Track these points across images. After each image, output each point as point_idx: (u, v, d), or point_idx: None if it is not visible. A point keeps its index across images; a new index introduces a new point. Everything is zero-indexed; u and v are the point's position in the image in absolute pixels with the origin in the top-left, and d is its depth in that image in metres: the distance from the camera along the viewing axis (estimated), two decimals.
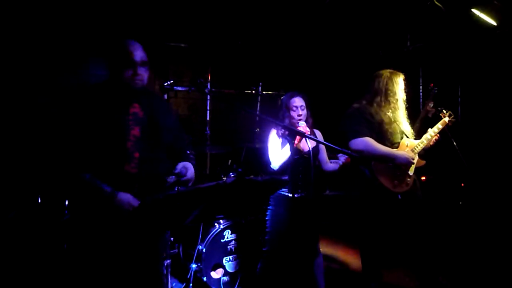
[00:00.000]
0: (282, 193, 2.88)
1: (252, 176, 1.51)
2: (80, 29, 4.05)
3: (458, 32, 4.55)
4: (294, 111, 2.85)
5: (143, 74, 1.94)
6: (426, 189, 4.62)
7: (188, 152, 2.18)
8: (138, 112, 1.96)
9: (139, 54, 1.92)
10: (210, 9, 4.61)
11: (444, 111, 3.27)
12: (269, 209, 2.94)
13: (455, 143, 3.82)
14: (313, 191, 2.94)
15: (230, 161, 3.85)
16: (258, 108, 4.15)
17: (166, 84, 3.10)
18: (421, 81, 5.03)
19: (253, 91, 4.03)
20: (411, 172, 2.94)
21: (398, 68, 5.11)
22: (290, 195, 2.84)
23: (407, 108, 3.18)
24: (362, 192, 2.95)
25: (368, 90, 3.03)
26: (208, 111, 3.77)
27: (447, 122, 3.19)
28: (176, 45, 4.42)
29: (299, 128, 2.70)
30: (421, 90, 5.00)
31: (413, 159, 2.92)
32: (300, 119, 2.84)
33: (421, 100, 4.95)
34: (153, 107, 2.04)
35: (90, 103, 1.89)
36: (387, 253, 3.11)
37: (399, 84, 2.99)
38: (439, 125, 3.15)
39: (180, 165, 1.99)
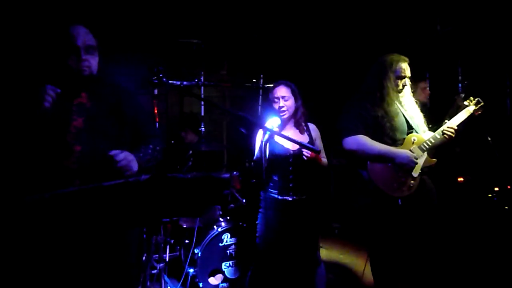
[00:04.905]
0: (272, 195, 2.61)
1: (178, 172, 1.27)
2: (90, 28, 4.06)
3: (497, 10, 3.92)
4: (276, 102, 2.58)
5: (89, 59, 1.79)
6: (464, 192, 4.15)
7: (150, 146, 1.97)
8: (84, 102, 1.81)
9: (82, 37, 1.77)
10: (215, 4, 4.46)
11: (472, 98, 2.77)
12: (260, 212, 2.68)
13: (489, 138, 3.31)
14: (309, 194, 2.63)
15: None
16: (260, 101, 3.89)
17: (154, 78, 2.96)
18: (460, 71, 4.48)
19: (254, 84, 3.77)
20: (415, 173, 2.50)
21: (429, 56, 4.58)
22: (280, 197, 2.57)
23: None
24: (360, 197, 2.60)
25: (364, 81, 2.69)
26: (202, 107, 3.57)
27: (471, 111, 2.69)
28: (187, 41, 4.28)
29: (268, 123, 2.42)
30: (460, 81, 4.46)
31: (416, 159, 2.50)
32: (282, 111, 2.55)
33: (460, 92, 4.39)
34: (104, 96, 1.87)
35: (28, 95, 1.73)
36: (398, 265, 2.71)
37: (395, 69, 2.58)
38: (459, 116, 2.68)
39: (119, 151, 1.75)
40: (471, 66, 4.31)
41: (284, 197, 2.57)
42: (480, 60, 4.25)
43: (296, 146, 2.53)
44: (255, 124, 1.70)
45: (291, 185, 2.56)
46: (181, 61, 4.61)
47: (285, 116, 2.59)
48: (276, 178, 2.60)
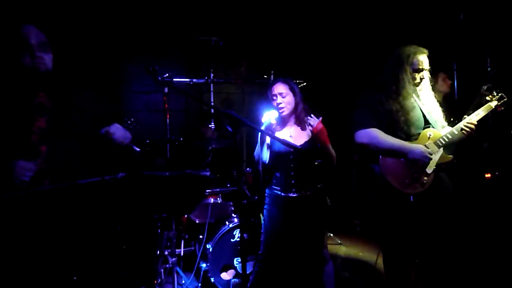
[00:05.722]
0: (276, 192, 2.60)
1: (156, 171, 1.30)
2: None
3: None
4: (274, 99, 2.56)
5: (44, 56, 1.84)
6: (492, 189, 3.93)
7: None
8: (44, 102, 1.85)
9: (34, 36, 1.82)
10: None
11: (495, 93, 2.64)
12: (264, 209, 2.69)
13: None
14: (314, 190, 2.60)
15: None
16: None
17: (165, 76, 3.00)
18: (488, 62, 4.23)
19: (265, 80, 3.75)
20: (429, 169, 2.41)
21: (454, 46, 4.35)
22: (283, 194, 2.56)
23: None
24: (371, 193, 2.54)
25: (380, 74, 2.60)
26: (212, 104, 3.59)
27: (493, 107, 2.56)
28: (206, 39, 4.32)
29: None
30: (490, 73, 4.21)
31: (431, 154, 2.40)
32: (281, 108, 2.54)
33: None
34: (63, 93, 1.96)
35: None
36: (410, 262, 2.63)
37: (411, 62, 2.47)
38: (479, 112, 2.55)
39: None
40: (500, 56, 4.06)
41: (287, 194, 2.56)
42: (510, 49, 4.00)
43: (298, 142, 2.52)
44: (242, 122, 1.69)
45: (293, 181, 2.54)
46: (200, 58, 4.67)
47: (284, 113, 2.57)
48: (278, 175, 2.59)
